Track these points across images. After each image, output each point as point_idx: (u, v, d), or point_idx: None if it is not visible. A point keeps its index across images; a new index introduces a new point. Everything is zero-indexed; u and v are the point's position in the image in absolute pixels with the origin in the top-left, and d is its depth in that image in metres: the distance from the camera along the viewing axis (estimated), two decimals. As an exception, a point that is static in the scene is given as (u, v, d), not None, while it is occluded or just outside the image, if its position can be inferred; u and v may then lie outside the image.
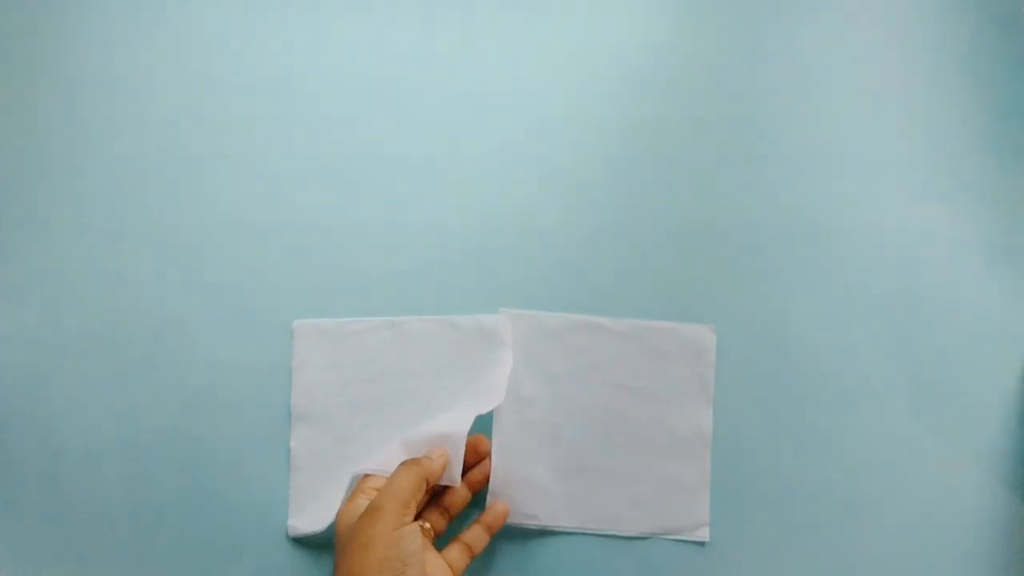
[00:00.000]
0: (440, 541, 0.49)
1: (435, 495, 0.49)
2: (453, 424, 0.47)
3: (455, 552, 0.47)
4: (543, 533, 0.51)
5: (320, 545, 0.51)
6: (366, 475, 0.47)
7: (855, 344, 0.53)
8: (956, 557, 0.51)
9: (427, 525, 0.47)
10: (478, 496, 0.50)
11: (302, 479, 0.51)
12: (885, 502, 0.52)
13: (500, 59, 0.55)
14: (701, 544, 0.51)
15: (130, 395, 0.51)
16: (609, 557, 0.51)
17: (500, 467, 0.50)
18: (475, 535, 0.48)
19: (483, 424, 0.49)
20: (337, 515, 0.46)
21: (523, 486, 0.50)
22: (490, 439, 0.50)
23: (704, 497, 0.51)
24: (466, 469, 0.50)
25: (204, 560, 0.50)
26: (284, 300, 0.53)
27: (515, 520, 0.50)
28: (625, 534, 0.51)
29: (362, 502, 0.45)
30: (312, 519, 0.50)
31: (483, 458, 0.50)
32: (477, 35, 0.56)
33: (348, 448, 0.51)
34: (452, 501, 0.49)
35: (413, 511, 0.44)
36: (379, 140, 0.54)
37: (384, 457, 0.47)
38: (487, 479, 0.49)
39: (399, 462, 0.46)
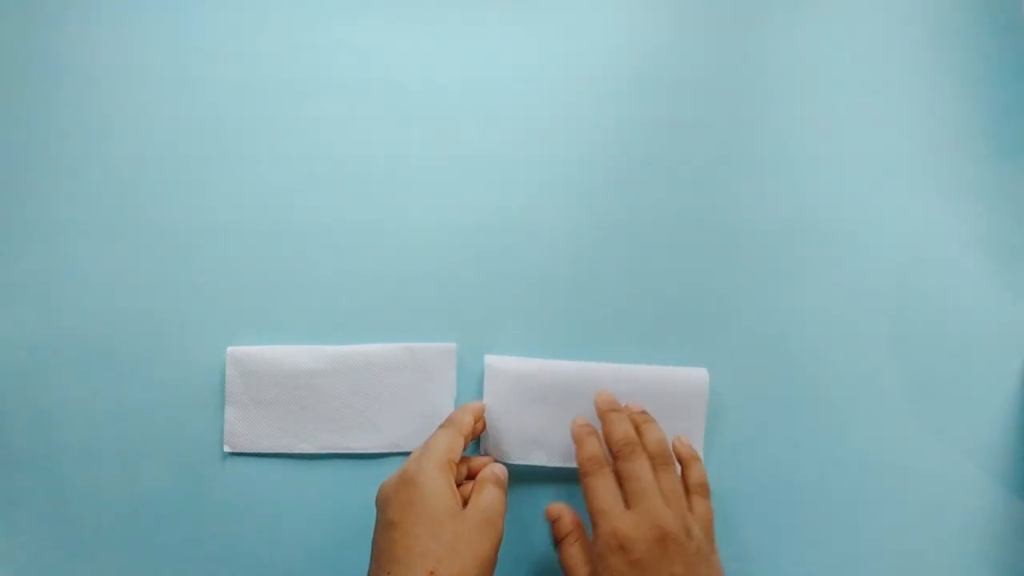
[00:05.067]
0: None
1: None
2: None
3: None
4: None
5: (319, 535, 0.51)
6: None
7: (855, 344, 0.53)
8: (956, 557, 0.51)
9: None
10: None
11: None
12: (885, 502, 0.52)
13: (499, 60, 0.55)
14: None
15: (130, 395, 0.51)
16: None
17: None
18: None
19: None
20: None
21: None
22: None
23: None
24: None
25: (204, 559, 0.50)
26: (284, 300, 0.53)
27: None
28: None
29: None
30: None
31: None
32: (476, 37, 0.56)
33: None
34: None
35: (451, 472, 0.44)
36: (379, 142, 0.54)
37: None
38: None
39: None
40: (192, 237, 0.53)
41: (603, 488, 0.45)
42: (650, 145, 0.55)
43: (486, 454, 0.51)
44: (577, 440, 0.48)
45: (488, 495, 0.44)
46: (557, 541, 0.47)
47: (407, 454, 0.51)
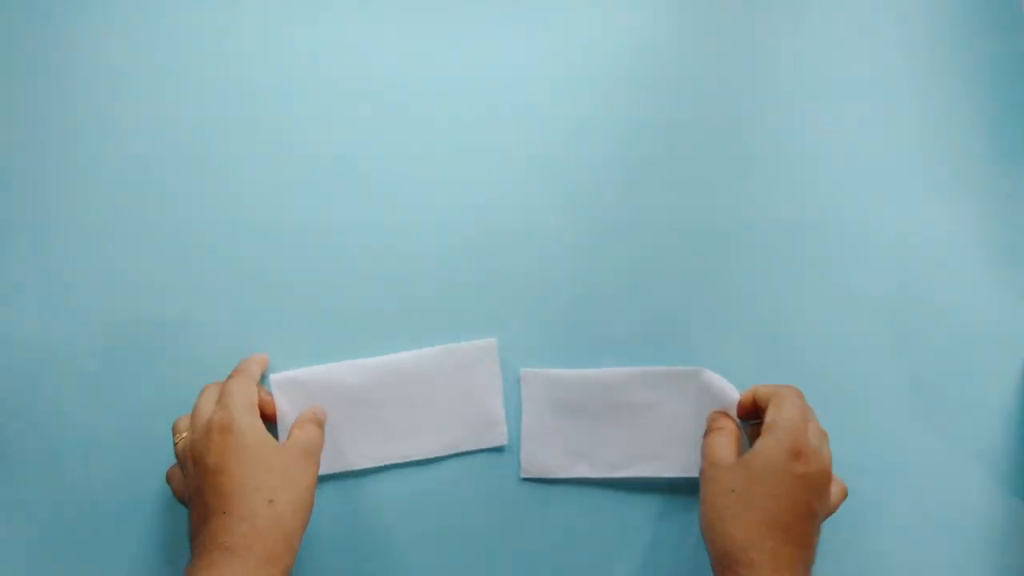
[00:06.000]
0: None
1: None
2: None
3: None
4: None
5: (319, 534, 0.50)
6: None
7: (855, 344, 0.53)
8: (956, 557, 0.51)
9: None
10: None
11: None
12: (885, 502, 0.52)
13: (500, 60, 0.55)
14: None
15: (130, 395, 0.51)
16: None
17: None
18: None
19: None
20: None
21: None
22: None
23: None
24: None
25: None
26: (282, 301, 0.53)
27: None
28: None
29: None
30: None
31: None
32: (477, 36, 0.56)
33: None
34: None
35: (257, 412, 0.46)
36: (378, 143, 0.54)
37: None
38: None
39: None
40: (192, 237, 0.53)
41: (798, 406, 0.45)
42: (651, 145, 0.55)
43: (527, 472, 0.51)
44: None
45: (307, 431, 0.46)
46: (709, 431, 0.48)
47: (467, 454, 0.51)
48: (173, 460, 0.51)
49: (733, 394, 0.49)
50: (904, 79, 0.56)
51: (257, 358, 0.50)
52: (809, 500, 0.43)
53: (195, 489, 0.43)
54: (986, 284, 0.54)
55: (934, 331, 0.53)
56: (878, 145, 0.55)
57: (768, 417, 0.45)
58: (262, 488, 0.42)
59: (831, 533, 0.51)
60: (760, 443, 0.44)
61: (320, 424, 0.48)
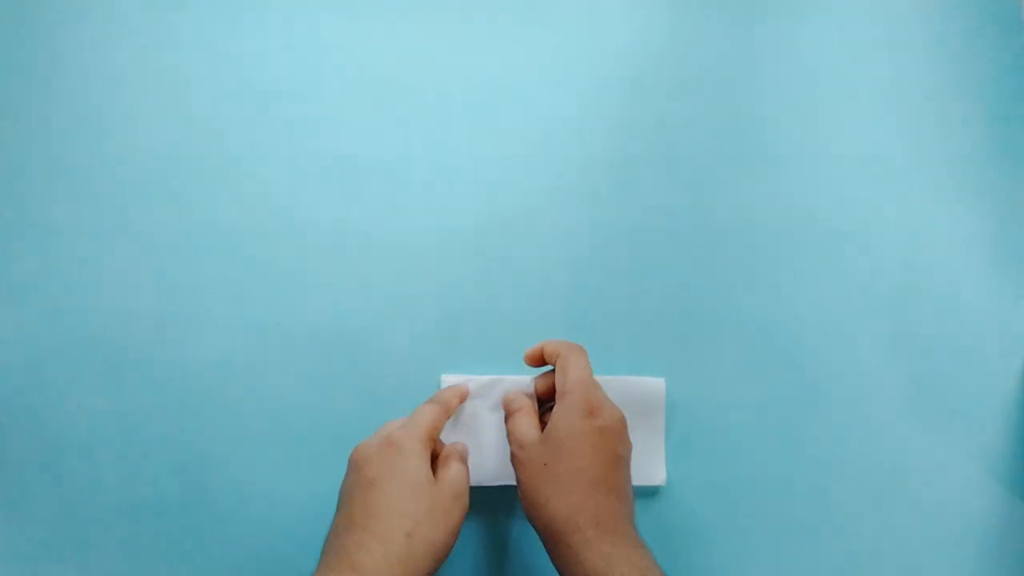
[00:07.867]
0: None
1: None
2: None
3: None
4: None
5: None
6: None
7: (855, 343, 0.53)
8: (956, 557, 0.51)
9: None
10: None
11: None
12: (885, 502, 0.52)
13: (499, 61, 0.55)
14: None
15: (130, 395, 0.51)
16: None
17: None
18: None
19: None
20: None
21: None
22: None
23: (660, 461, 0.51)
24: None
25: (203, 560, 0.50)
26: (281, 300, 0.53)
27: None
28: None
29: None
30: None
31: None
32: (476, 38, 0.56)
33: None
34: None
35: (431, 446, 0.45)
36: (378, 143, 0.54)
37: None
38: None
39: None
40: (193, 237, 0.53)
41: (583, 365, 0.47)
42: (651, 146, 0.55)
43: None
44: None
45: (455, 469, 0.45)
46: (508, 415, 0.48)
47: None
48: (172, 460, 0.51)
49: (527, 380, 0.50)
50: (904, 79, 0.56)
51: (458, 389, 0.50)
52: (613, 448, 0.44)
53: (347, 494, 0.43)
54: (986, 284, 0.54)
55: (934, 331, 0.53)
56: (878, 145, 0.55)
57: (558, 385, 0.46)
58: (407, 517, 0.42)
59: (831, 532, 0.51)
60: (556, 412, 0.45)
61: (465, 462, 0.47)
